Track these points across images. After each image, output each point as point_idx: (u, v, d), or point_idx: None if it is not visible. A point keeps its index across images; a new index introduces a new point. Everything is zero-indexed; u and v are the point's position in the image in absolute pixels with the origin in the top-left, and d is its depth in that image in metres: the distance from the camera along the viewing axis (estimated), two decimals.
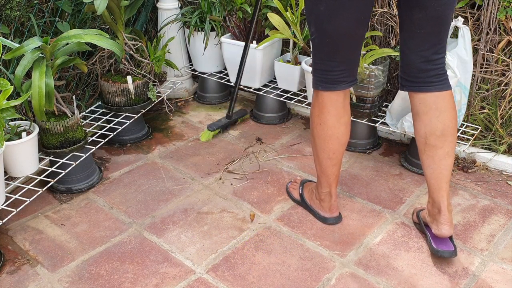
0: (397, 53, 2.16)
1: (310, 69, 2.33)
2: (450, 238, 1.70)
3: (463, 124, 2.27)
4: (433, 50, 1.58)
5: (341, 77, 1.62)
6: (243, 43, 2.49)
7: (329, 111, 1.65)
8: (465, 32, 2.03)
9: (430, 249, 1.72)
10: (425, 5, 1.49)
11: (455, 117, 1.63)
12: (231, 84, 2.71)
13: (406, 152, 2.29)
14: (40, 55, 1.84)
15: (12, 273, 1.69)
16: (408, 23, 1.57)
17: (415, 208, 1.92)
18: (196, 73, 2.83)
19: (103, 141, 2.21)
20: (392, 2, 2.26)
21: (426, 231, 1.76)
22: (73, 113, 2.04)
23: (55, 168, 2.00)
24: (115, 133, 2.28)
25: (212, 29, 2.64)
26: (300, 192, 1.97)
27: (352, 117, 2.30)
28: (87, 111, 2.43)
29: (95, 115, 2.39)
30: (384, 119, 2.27)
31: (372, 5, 1.53)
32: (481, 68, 2.19)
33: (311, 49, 1.58)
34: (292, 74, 2.47)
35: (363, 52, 2.17)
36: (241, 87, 2.67)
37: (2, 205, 1.77)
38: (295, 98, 2.53)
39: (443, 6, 1.50)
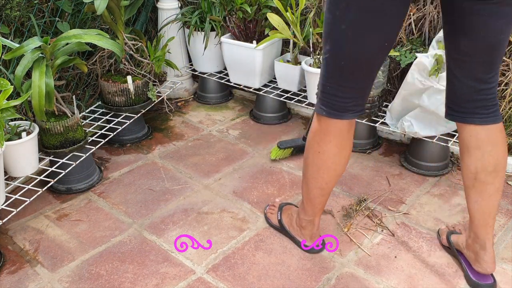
0: (397, 53, 2.16)
1: (310, 69, 2.33)
2: None
3: None
4: (484, 79, 1.40)
5: (350, 105, 1.44)
6: (243, 43, 2.49)
7: (331, 140, 1.48)
8: None
9: (466, 278, 1.63)
10: (474, 32, 1.32)
11: (506, 151, 1.49)
12: (231, 84, 2.71)
13: (406, 152, 2.29)
14: (40, 55, 1.84)
15: (12, 273, 1.69)
16: (455, 51, 1.39)
17: (441, 229, 1.82)
18: (196, 73, 2.83)
19: (103, 141, 2.21)
20: None
21: (460, 259, 1.68)
22: (73, 113, 2.04)
23: (55, 168, 2.00)
24: (115, 133, 2.28)
25: (212, 29, 2.64)
26: (279, 218, 1.83)
27: None
28: (87, 111, 2.43)
29: (95, 115, 2.39)
30: (384, 119, 2.27)
31: (399, 30, 1.35)
32: None
33: (321, 66, 1.44)
34: (292, 74, 2.47)
35: None
36: (240, 86, 2.67)
37: (2, 205, 1.77)
38: (295, 98, 2.53)
39: (496, 33, 1.31)
